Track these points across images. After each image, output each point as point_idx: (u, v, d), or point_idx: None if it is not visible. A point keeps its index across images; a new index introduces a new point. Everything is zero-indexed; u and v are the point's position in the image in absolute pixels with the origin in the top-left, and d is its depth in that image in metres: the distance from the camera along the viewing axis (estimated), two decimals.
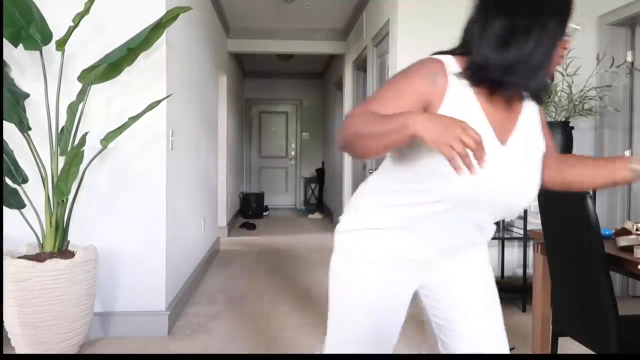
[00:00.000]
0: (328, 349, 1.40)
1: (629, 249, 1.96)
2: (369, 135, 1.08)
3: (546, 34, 1.11)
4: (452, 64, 1.19)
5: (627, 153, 3.86)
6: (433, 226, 1.24)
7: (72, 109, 2.72)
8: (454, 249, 1.33)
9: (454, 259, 1.36)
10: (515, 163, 1.20)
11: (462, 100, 1.16)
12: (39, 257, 2.61)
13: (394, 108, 1.11)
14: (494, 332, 1.39)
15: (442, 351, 1.43)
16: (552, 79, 1.22)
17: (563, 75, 3.75)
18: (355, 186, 6.14)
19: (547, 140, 1.35)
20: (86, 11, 2.60)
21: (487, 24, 1.14)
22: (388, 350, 1.39)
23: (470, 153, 0.98)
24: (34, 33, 2.66)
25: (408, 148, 1.21)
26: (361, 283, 1.32)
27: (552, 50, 1.13)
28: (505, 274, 4.00)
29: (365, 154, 1.12)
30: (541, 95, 1.24)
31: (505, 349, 1.40)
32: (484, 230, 1.31)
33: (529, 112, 1.27)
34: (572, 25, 1.15)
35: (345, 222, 1.36)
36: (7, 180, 2.70)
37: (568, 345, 2.67)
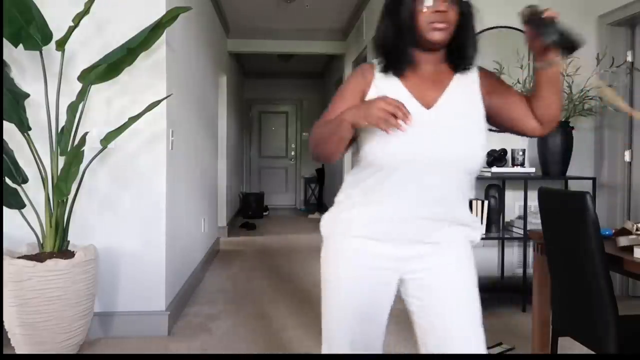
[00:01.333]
0: (323, 333, 1.51)
1: (629, 249, 1.96)
2: (324, 139, 1.34)
3: (389, 12, 1.37)
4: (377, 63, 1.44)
5: (627, 153, 3.86)
6: (388, 194, 1.35)
7: (72, 109, 2.72)
8: (419, 223, 1.37)
9: (425, 246, 1.39)
10: (442, 124, 1.33)
11: (386, 83, 1.38)
12: (39, 257, 2.61)
13: (343, 108, 1.33)
14: (460, 334, 1.38)
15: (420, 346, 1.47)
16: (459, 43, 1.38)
17: (563, 75, 3.75)
18: None
19: (511, 97, 1.43)
20: (86, 11, 2.60)
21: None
22: (378, 333, 1.48)
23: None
24: (34, 33, 2.66)
25: (357, 144, 1.41)
26: (336, 266, 1.45)
27: (401, 20, 1.32)
28: (505, 274, 4.00)
29: (329, 156, 1.36)
30: (459, 61, 1.38)
31: (476, 349, 1.37)
32: (444, 201, 1.36)
33: (462, 80, 1.40)
34: None
35: (323, 218, 1.53)
36: (7, 180, 2.70)
37: (568, 345, 2.67)
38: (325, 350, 1.51)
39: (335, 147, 1.33)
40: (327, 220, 1.50)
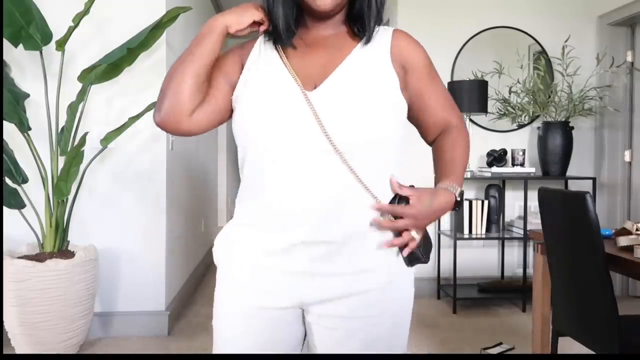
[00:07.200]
0: None
1: (629, 249, 1.96)
2: (181, 64, 1.08)
3: None
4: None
5: (627, 153, 3.86)
6: (274, 185, 1.14)
7: (72, 109, 2.72)
8: (311, 219, 1.07)
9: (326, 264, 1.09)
10: (326, 105, 1.06)
11: (265, 55, 1.14)
12: (39, 257, 2.61)
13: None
14: None
15: None
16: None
17: (563, 75, 3.75)
18: None
19: (428, 101, 1.16)
20: (86, 11, 2.60)
21: None
22: None
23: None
24: (34, 33, 2.66)
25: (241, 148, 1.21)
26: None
27: None
28: (505, 274, 4.00)
29: (179, 94, 1.08)
30: (360, 32, 1.13)
31: None
32: (335, 188, 1.06)
33: (365, 55, 1.12)
34: None
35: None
36: (7, 180, 2.70)
37: (568, 345, 2.67)
38: None
39: (194, 74, 1.07)
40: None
